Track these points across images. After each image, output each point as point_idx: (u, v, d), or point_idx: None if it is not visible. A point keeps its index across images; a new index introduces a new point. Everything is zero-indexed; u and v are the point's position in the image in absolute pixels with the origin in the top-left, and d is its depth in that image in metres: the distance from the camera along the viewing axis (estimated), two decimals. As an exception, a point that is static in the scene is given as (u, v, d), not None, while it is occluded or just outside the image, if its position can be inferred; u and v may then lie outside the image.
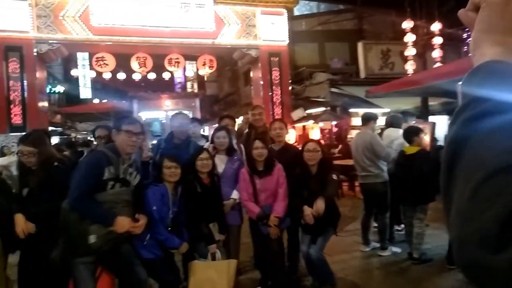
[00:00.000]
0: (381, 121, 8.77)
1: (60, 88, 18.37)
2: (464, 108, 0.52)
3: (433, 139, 6.65)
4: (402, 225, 5.33)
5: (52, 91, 16.76)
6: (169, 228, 3.27)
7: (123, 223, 2.75)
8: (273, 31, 11.17)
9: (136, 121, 3.09)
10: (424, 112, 8.65)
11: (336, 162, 9.43)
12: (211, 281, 3.25)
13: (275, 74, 11.29)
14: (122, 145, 2.86)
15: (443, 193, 0.52)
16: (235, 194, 3.90)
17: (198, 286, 3.24)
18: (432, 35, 11.26)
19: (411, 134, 4.73)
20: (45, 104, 10.33)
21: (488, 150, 0.46)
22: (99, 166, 2.71)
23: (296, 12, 15.71)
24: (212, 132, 4.50)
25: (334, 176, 3.75)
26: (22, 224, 2.87)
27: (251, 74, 12.32)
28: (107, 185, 2.75)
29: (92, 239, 2.69)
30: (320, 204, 3.56)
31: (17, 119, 8.98)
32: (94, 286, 2.86)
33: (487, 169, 0.45)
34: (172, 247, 3.26)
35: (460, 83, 0.56)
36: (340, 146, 11.07)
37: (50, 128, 10.34)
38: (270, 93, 11.26)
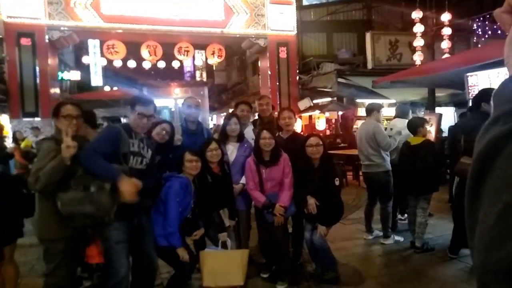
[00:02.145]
0: (387, 112, 8.86)
1: (71, 75, 18.53)
2: (496, 121, 0.48)
3: (439, 130, 6.69)
4: (406, 215, 5.38)
5: (62, 78, 16.94)
6: (189, 217, 3.33)
7: (129, 184, 2.56)
8: (281, 21, 11.17)
9: (150, 103, 2.94)
10: (430, 103, 8.63)
11: (341, 152, 9.57)
12: (225, 271, 3.23)
13: (283, 63, 11.34)
14: (133, 125, 2.89)
15: (467, 211, 0.49)
16: (244, 179, 3.95)
17: (212, 275, 3.23)
18: (441, 25, 11.16)
19: (416, 125, 4.72)
20: (57, 90, 10.48)
21: None
22: (116, 134, 2.73)
23: (305, 2, 15.66)
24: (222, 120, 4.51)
25: (337, 182, 3.83)
26: None
27: (259, 63, 12.38)
28: (128, 159, 2.75)
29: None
30: (311, 203, 3.77)
31: (29, 105, 9.13)
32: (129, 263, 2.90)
33: None
34: (172, 244, 3.13)
35: (493, 92, 0.53)
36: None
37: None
38: (278, 83, 11.32)
